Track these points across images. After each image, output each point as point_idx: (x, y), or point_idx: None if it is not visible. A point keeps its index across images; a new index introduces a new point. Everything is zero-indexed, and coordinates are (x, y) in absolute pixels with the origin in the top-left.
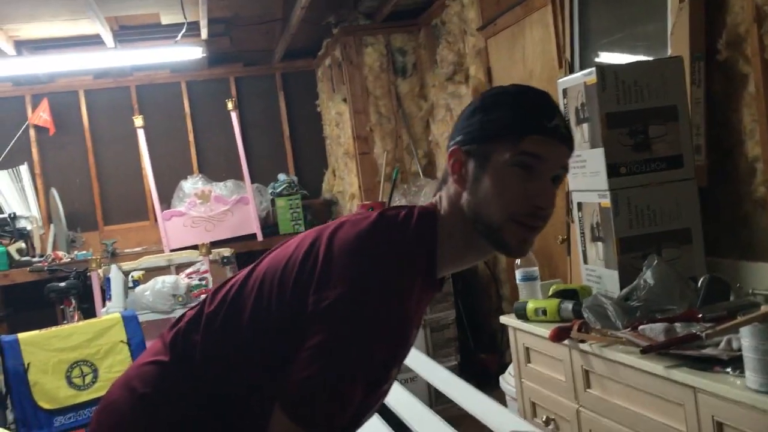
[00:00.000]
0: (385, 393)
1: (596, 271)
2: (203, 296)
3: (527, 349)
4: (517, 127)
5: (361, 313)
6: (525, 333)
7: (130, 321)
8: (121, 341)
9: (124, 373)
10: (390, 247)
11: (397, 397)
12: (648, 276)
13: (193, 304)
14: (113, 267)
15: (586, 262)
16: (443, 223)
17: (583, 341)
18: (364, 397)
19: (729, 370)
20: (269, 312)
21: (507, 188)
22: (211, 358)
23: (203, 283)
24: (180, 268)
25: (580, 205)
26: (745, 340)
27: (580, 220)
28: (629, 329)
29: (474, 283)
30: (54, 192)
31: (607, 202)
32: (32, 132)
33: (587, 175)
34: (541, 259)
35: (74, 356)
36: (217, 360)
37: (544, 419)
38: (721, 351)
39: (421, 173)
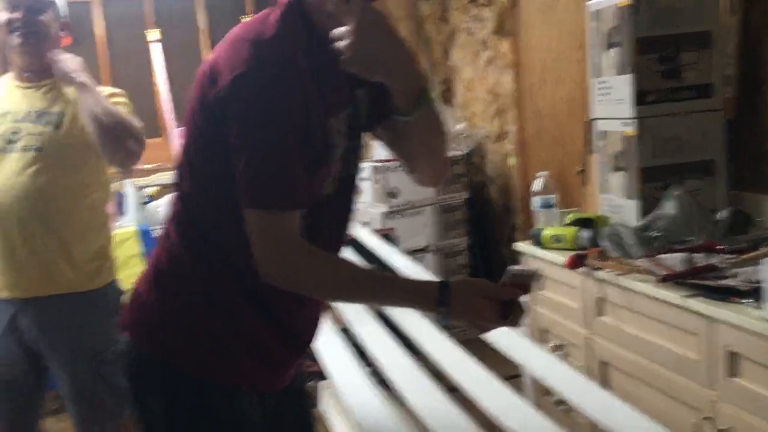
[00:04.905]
0: (332, 173)
1: (615, 200)
2: None
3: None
4: None
5: (254, 93)
6: (539, 260)
7: (144, 235)
8: (135, 255)
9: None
10: (261, 40)
11: (410, 318)
12: (668, 206)
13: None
14: (128, 183)
15: (604, 192)
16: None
17: (599, 269)
18: (315, 177)
19: (746, 301)
20: (203, 136)
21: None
22: (198, 213)
23: None
24: None
25: (603, 133)
26: (766, 271)
27: (602, 149)
28: (647, 259)
29: (487, 212)
30: None
31: (630, 131)
32: None
33: (612, 103)
34: (556, 189)
35: None
36: (204, 211)
37: (553, 345)
38: (739, 282)
39: (439, 99)
